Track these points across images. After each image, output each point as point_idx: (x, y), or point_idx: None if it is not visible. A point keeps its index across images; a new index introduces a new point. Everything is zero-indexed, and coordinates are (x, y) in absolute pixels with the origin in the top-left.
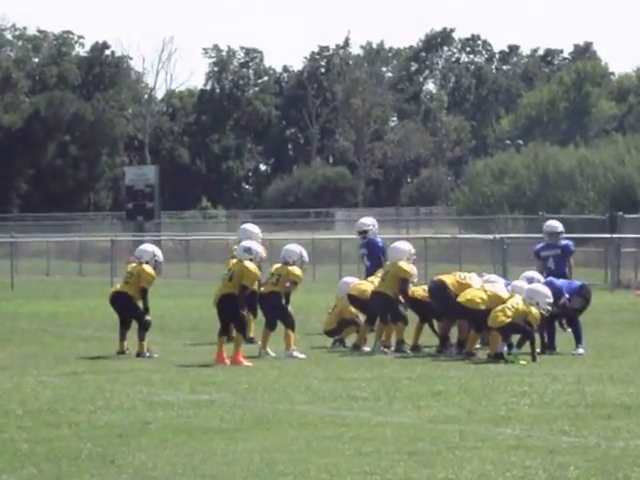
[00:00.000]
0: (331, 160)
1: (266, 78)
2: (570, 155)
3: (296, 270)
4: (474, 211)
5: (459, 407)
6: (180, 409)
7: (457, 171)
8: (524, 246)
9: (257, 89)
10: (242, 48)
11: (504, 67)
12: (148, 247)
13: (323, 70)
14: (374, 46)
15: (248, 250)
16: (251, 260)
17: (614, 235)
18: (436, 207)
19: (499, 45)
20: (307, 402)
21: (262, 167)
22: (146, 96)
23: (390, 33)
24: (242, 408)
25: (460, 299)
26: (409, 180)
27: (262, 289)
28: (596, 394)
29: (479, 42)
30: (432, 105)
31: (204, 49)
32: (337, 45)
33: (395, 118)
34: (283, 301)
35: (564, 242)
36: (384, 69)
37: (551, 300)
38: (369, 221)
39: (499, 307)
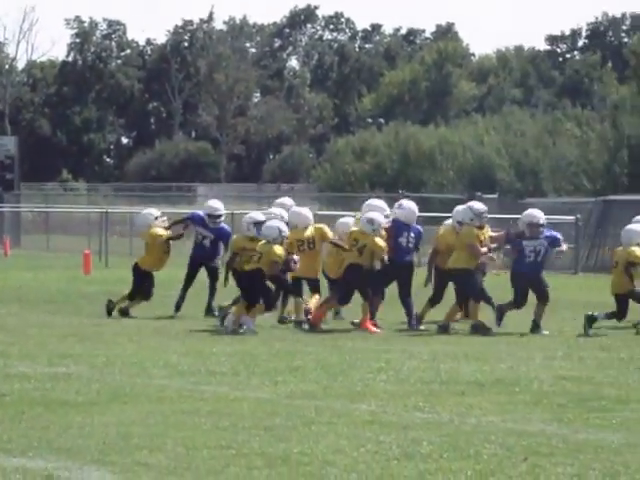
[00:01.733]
0: (193, 135)
1: (129, 51)
2: (430, 134)
3: (278, 249)
4: (335, 188)
5: (316, 383)
6: (37, 381)
7: (319, 148)
8: None
9: (120, 62)
10: (105, 20)
11: (367, 46)
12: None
13: (186, 44)
14: (237, 21)
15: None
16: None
17: None
18: (298, 184)
19: (362, 23)
20: (165, 376)
21: (124, 140)
22: (7, 66)
23: (254, 9)
24: (99, 381)
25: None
26: (271, 156)
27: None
28: (450, 371)
29: (342, 20)
30: (295, 82)
31: (66, 20)
32: (201, 19)
33: (258, 94)
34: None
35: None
36: (247, 45)
37: None
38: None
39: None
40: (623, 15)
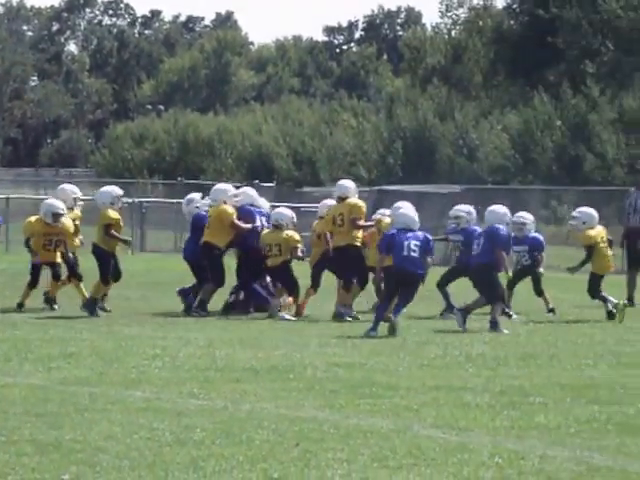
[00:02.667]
0: None
1: None
2: (210, 122)
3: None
4: (114, 174)
5: (90, 369)
6: None
7: (98, 134)
8: (162, 210)
9: None
10: None
11: (146, 32)
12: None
13: None
14: (14, 4)
15: None
16: None
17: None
18: (76, 169)
19: (141, 9)
20: None
21: None
22: None
23: None
24: None
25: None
26: (49, 141)
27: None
28: (226, 358)
29: (121, 5)
30: (74, 66)
31: None
32: None
33: (35, 78)
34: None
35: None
36: (25, 28)
37: None
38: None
39: None
40: (398, 9)
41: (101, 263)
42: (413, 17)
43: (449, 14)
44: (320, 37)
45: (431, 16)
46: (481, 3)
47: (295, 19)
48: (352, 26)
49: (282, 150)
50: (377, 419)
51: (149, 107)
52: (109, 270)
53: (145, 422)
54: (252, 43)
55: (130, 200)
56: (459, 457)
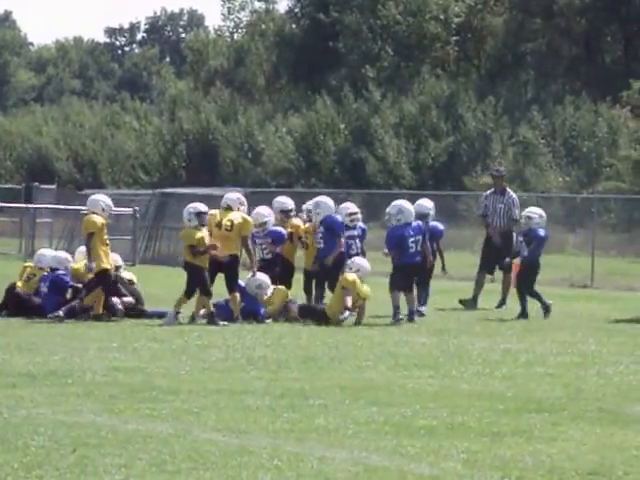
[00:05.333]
0: None
1: None
2: None
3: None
4: None
5: None
6: None
7: None
8: None
9: None
10: None
11: None
12: None
13: None
14: None
15: None
16: None
17: (30, 205)
18: None
19: None
20: None
21: None
22: None
23: None
24: None
25: None
26: None
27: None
28: (2, 363)
29: None
30: None
31: None
32: None
33: None
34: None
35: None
36: None
37: None
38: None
39: None
40: (181, 11)
41: None
42: (196, 19)
43: (231, 17)
44: (102, 38)
45: (214, 19)
46: (263, 7)
47: (76, 20)
48: (134, 27)
49: (63, 152)
50: (157, 423)
51: None
52: None
53: None
54: (32, 44)
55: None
56: (238, 460)
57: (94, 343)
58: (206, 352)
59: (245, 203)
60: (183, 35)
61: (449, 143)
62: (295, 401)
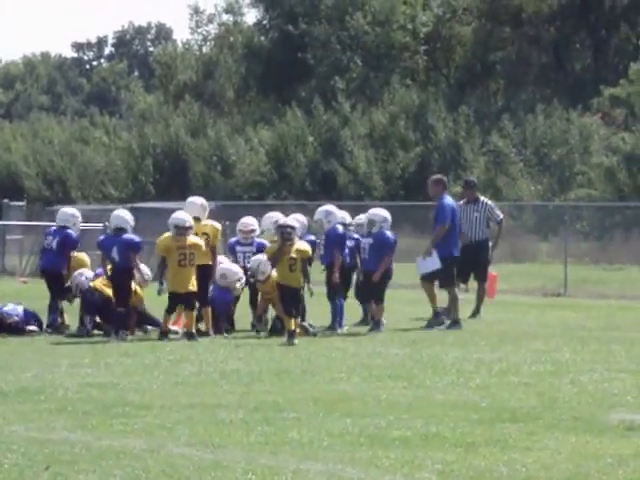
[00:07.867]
0: None
1: None
2: None
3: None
4: None
5: None
6: None
7: None
8: None
9: None
10: None
11: None
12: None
13: None
14: None
15: None
16: None
17: (0, 222)
18: None
19: None
20: None
21: None
22: None
23: None
24: None
25: None
26: None
27: None
28: None
29: None
30: None
31: None
32: None
33: None
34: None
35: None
36: None
37: None
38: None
39: None
40: (149, 25)
41: None
42: (164, 33)
43: (199, 30)
44: (69, 53)
45: (182, 32)
46: (231, 19)
47: (43, 36)
48: (102, 42)
49: (32, 169)
50: (130, 439)
51: None
52: None
53: None
54: (0, 60)
55: None
56: (213, 474)
57: (65, 359)
58: (178, 367)
59: (207, 206)
60: (151, 49)
61: (417, 153)
62: (269, 414)
